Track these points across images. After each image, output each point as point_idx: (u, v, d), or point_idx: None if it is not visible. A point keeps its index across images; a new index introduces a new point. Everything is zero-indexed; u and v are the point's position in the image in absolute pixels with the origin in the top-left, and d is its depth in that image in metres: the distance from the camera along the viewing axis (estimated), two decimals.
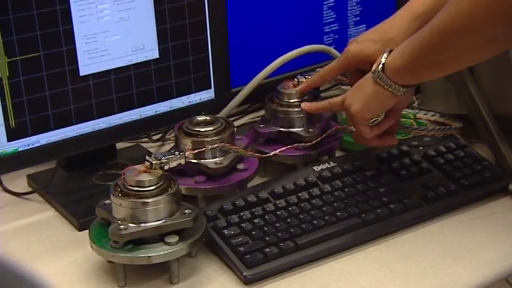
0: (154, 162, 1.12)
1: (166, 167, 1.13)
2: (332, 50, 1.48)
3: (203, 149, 1.23)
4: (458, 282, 1.11)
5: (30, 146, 1.24)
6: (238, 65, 1.46)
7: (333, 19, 1.52)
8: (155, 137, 1.50)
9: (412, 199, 1.26)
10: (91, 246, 1.08)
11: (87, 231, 1.13)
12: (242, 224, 1.17)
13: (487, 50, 1.12)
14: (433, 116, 1.51)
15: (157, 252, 1.05)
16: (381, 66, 1.16)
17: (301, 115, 1.37)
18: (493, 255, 1.17)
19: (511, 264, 1.17)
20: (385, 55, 1.17)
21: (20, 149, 1.23)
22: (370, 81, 1.19)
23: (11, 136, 1.21)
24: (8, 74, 1.17)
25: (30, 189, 1.32)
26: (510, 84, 1.35)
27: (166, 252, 1.05)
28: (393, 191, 1.28)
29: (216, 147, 1.24)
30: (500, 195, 1.32)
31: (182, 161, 1.18)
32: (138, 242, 1.06)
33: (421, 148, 1.39)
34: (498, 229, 1.23)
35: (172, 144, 1.34)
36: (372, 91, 1.19)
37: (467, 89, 1.38)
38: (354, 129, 1.26)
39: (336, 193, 1.25)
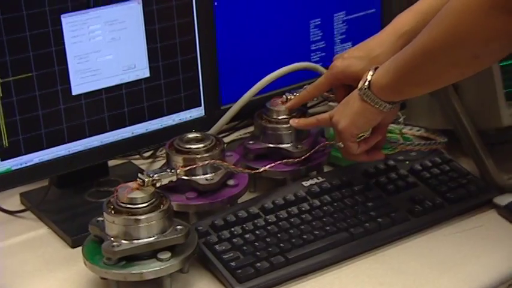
0: (146, 179, 1.11)
1: (158, 184, 1.13)
2: (319, 67, 1.49)
3: (194, 166, 1.23)
4: None
5: (23, 165, 1.24)
6: (228, 83, 1.46)
7: (319, 37, 1.53)
8: (146, 154, 1.50)
9: (399, 213, 1.26)
10: (84, 263, 1.08)
11: (80, 248, 1.13)
12: (233, 240, 1.16)
13: (470, 67, 1.13)
14: (418, 131, 1.51)
15: (150, 269, 1.06)
16: (367, 83, 1.17)
17: (290, 131, 1.37)
18: (478, 268, 1.18)
19: (496, 276, 1.18)
20: (370, 73, 1.18)
21: (13, 168, 1.23)
22: (356, 98, 1.20)
23: (4, 155, 1.21)
24: (0, 95, 1.17)
25: (23, 207, 1.32)
26: (493, 100, 1.36)
27: (159, 268, 1.06)
28: (381, 205, 1.28)
29: (206, 163, 1.24)
30: (485, 208, 1.32)
31: (174, 178, 1.18)
32: (131, 258, 1.06)
33: (407, 162, 1.40)
34: (483, 242, 1.24)
35: (164, 161, 1.34)
36: (358, 108, 1.20)
37: (451, 104, 1.39)
38: (342, 145, 1.26)
39: (325, 208, 1.26)
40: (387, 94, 1.16)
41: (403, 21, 1.35)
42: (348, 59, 1.34)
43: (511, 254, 1.23)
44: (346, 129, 1.22)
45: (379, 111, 1.19)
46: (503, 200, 1.30)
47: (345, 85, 1.32)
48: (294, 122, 1.34)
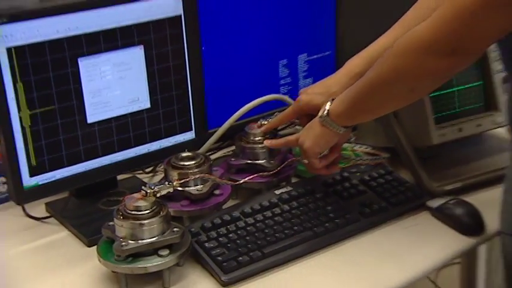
0: (148, 191, 1.12)
1: (158, 195, 1.14)
2: (287, 98, 1.50)
3: (187, 179, 1.24)
4: (390, 279, 1.13)
5: (48, 180, 1.24)
6: (213, 112, 1.46)
7: (286, 74, 1.53)
8: (148, 170, 1.49)
9: (352, 214, 1.27)
10: (98, 259, 1.09)
11: (95, 247, 1.13)
12: (219, 238, 1.17)
13: (407, 99, 1.15)
14: (366, 148, 1.52)
15: (152, 263, 1.06)
16: (326, 112, 1.18)
17: (264, 150, 1.38)
18: (416, 258, 1.20)
19: (431, 264, 1.20)
20: (329, 103, 1.19)
21: (39, 183, 1.23)
22: (318, 124, 1.21)
23: (32, 173, 1.21)
24: (30, 124, 1.18)
25: (47, 215, 1.31)
26: (425, 124, 1.38)
27: (159, 263, 1.06)
28: (337, 208, 1.29)
29: (197, 177, 1.25)
30: (420, 210, 1.33)
31: (171, 190, 1.18)
32: (136, 255, 1.07)
33: (358, 174, 1.41)
34: (419, 237, 1.26)
35: (162, 176, 1.34)
36: (319, 131, 1.21)
37: (392, 127, 1.41)
38: (307, 161, 1.27)
39: (293, 211, 1.26)
40: (342, 120, 1.18)
41: (354, 64, 1.36)
42: (310, 94, 1.35)
43: (441, 247, 1.24)
44: (310, 148, 1.23)
45: (335, 134, 1.20)
46: (434, 203, 1.32)
47: (308, 114, 1.32)
48: (267, 142, 1.35)
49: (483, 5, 0.92)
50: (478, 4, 0.93)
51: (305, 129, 1.27)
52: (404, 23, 1.33)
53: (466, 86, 1.41)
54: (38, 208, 1.31)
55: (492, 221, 1.26)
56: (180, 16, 1.32)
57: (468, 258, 1.45)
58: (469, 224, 1.27)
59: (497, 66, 1.36)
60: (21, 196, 1.22)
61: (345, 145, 1.49)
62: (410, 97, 1.16)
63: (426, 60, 1.03)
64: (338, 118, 1.18)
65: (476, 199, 1.33)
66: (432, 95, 1.35)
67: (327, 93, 1.33)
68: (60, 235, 1.26)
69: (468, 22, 0.95)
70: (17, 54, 1.13)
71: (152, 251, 1.08)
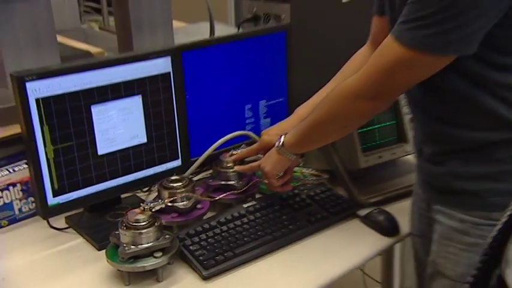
0: (145, 206, 1.15)
1: (153, 209, 1.16)
2: (251, 134, 1.50)
3: (175, 197, 1.26)
4: (331, 271, 1.16)
5: (67, 200, 1.25)
6: (195, 144, 1.46)
7: (250, 115, 1.54)
8: (145, 190, 1.49)
9: (301, 222, 1.29)
10: (107, 261, 1.10)
11: (104, 251, 1.14)
12: (201, 242, 1.19)
13: (341, 133, 1.21)
14: (311, 170, 1.52)
15: (149, 263, 1.09)
16: (281, 143, 1.21)
17: (235, 173, 1.39)
18: (350, 254, 1.23)
19: (360, 259, 1.24)
20: (283, 136, 1.22)
21: (60, 202, 1.24)
22: (275, 152, 1.24)
23: (55, 194, 1.22)
24: (53, 156, 1.20)
25: (67, 226, 1.31)
26: (354, 152, 1.41)
27: (154, 263, 1.09)
28: (290, 217, 1.31)
29: (183, 195, 1.27)
30: (352, 218, 1.35)
31: (163, 205, 1.22)
32: (136, 257, 1.09)
33: (305, 191, 1.42)
34: (352, 238, 1.28)
35: (156, 194, 1.34)
36: (276, 158, 1.25)
37: (330, 154, 1.42)
38: (267, 181, 1.31)
39: (257, 220, 1.28)
40: (293, 149, 1.22)
41: (302, 111, 1.37)
42: (271, 135, 1.35)
43: (368, 245, 1.27)
44: (270, 171, 1.27)
45: (288, 160, 1.25)
46: (362, 212, 1.34)
47: (269, 149, 1.33)
48: (237, 168, 1.37)
49: (395, 66, 0.99)
50: (392, 65, 0.99)
51: (265, 157, 1.28)
52: (339, 78, 1.37)
53: (384, 124, 1.45)
54: (59, 221, 1.31)
55: (405, 225, 1.31)
56: (170, 73, 1.32)
57: (388, 252, 1.48)
58: (388, 227, 1.30)
59: (406, 110, 1.40)
60: (46, 212, 1.22)
61: (296, 168, 1.49)
62: (343, 132, 1.22)
63: (355, 104, 1.08)
64: (290, 148, 1.22)
65: (393, 208, 1.36)
66: (360, 130, 1.38)
67: (282, 132, 1.34)
68: (76, 242, 1.26)
69: (386, 76, 1.01)
70: (44, 103, 1.15)
71: (149, 253, 1.10)
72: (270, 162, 1.26)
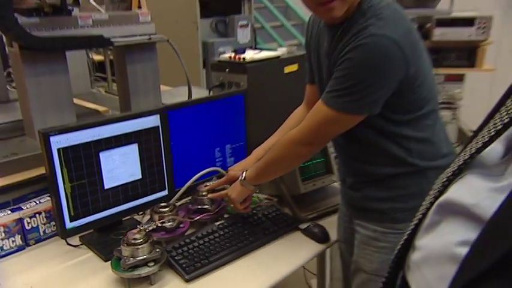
0: (141, 228, 1.16)
1: (146, 230, 1.16)
2: (220, 169, 1.50)
3: (164, 220, 1.26)
4: (281, 271, 1.17)
5: (81, 224, 1.24)
6: (178, 178, 1.45)
7: (219, 156, 1.54)
8: (140, 214, 1.46)
9: (258, 235, 1.29)
10: (112, 270, 1.10)
11: (109, 262, 1.13)
12: (183, 253, 1.19)
13: (287, 169, 1.25)
14: (265, 195, 1.52)
15: (144, 271, 1.09)
16: (243, 177, 1.23)
17: (208, 200, 1.39)
18: (295, 258, 1.24)
19: (302, 260, 1.25)
20: (245, 172, 1.24)
21: (75, 226, 1.23)
22: (239, 185, 1.25)
23: (71, 219, 1.21)
24: (70, 191, 1.19)
25: (80, 243, 1.29)
26: (296, 181, 1.42)
27: (148, 270, 1.09)
28: (250, 232, 1.31)
29: (169, 218, 1.27)
30: (295, 230, 1.35)
31: (154, 226, 1.22)
32: (134, 267, 1.09)
33: (260, 211, 1.42)
34: (295, 246, 1.29)
35: (149, 217, 1.33)
36: (240, 189, 1.26)
37: (278, 183, 1.44)
38: (233, 206, 1.31)
39: (226, 235, 1.28)
40: (252, 182, 1.24)
41: (258, 153, 1.38)
42: (235, 170, 1.36)
43: (308, 250, 1.28)
44: (235, 199, 1.28)
45: (249, 190, 1.27)
46: (303, 226, 1.34)
47: (234, 181, 1.34)
48: (210, 195, 1.37)
49: (324, 122, 1.04)
50: (322, 122, 1.04)
51: (232, 188, 1.29)
52: (283, 129, 1.41)
53: (316, 160, 1.47)
54: (74, 239, 1.29)
55: (333, 234, 1.34)
56: (158, 126, 1.33)
57: (322, 254, 1.47)
58: (322, 237, 1.31)
59: (332, 150, 1.44)
60: (65, 234, 1.22)
61: (253, 194, 1.48)
62: (289, 169, 1.26)
63: (297, 149, 1.12)
64: (250, 181, 1.24)
65: (324, 222, 1.38)
66: (300, 166, 1.41)
67: (243, 171, 1.35)
68: (87, 255, 1.25)
69: (318, 129, 1.06)
70: (63, 152, 1.16)
71: (144, 263, 1.10)
72: (235, 192, 1.26)
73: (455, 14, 1.90)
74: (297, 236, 1.33)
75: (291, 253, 1.25)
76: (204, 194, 1.39)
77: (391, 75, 0.94)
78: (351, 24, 0.96)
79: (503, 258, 0.37)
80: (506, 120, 0.47)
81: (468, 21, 1.75)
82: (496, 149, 0.50)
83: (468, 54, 1.80)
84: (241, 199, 1.28)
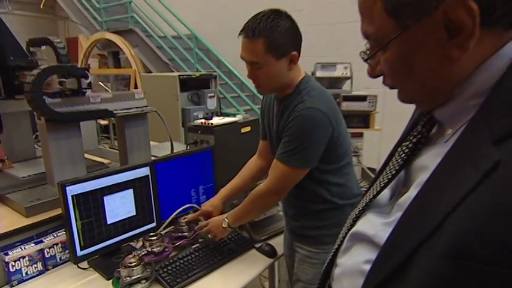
0: (135, 253, 1.16)
1: (141, 254, 1.17)
2: (195, 205, 1.48)
3: (153, 246, 1.25)
4: (242, 279, 1.15)
5: (89, 251, 1.21)
6: (164, 212, 1.41)
7: (194, 195, 1.52)
8: (135, 241, 1.40)
9: (225, 253, 1.28)
10: (113, 287, 1.10)
11: (111, 281, 1.13)
12: (168, 271, 1.17)
13: (259, 214, 1.27)
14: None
15: (138, 287, 1.09)
16: (227, 223, 1.18)
17: (187, 228, 1.37)
18: (252, 270, 1.23)
19: (258, 271, 1.23)
20: (227, 219, 1.18)
21: (85, 253, 1.20)
22: (222, 227, 1.19)
23: (81, 249, 1.19)
24: (81, 227, 1.18)
25: (88, 266, 1.25)
26: None
27: (142, 286, 1.09)
28: (218, 252, 1.29)
29: (157, 244, 1.26)
30: (252, 249, 1.34)
31: (145, 252, 1.22)
32: (130, 284, 1.08)
33: (226, 235, 1.38)
34: (252, 261, 1.28)
35: (141, 244, 1.31)
36: (222, 230, 1.21)
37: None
38: (213, 238, 1.25)
39: (201, 255, 1.26)
40: (233, 226, 1.20)
41: (223, 193, 1.34)
42: (207, 207, 1.34)
43: (262, 263, 1.27)
44: (217, 236, 1.24)
45: (230, 230, 1.22)
46: (257, 245, 1.34)
47: (206, 214, 1.33)
48: (199, 230, 1.31)
49: (283, 176, 1.03)
50: (282, 175, 1.02)
51: (215, 227, 1.21)
52: (241, 173, 1.41)
53: None
54: (84, 263, 1.25)
55: (280, 250, 1.34)
56: (148, 175, 1.32)
57: (271, 265, 1.41)
58: (271, 253, 1.30)
59: None
60: (76, 260, 1.18)
61: None
62: (261, 213, 1.30)
63: (268, 199, 1.10)
64: (232, 225, 1.19)
65: (273, 241, 1.37)
66: None
67: (213, 206, 1.36)
68: (94, 276, 1.21)
69: (281, 181, 1.04)
70: (76, 197, 1.15)
71: (138, 281, 1.10)
72: (219, 232, 1.21)
73: (355, 93, 2.09)
74: (253, 253, 1.32)
75: (249, 266, 1.24)
76: (183, 224, 1.36)
77: (323, 136, 0.95)
78: (292, 100, 0.99)
79: (393, 272, 0.38)
80: (392, 174, 0.49)
81: (362, 98, 1.94)
82: (385, 194, 0.51)
83: (364, 119, 1.98)
84: (222, 236, 1.24)
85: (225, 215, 1.17)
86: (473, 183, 0.33)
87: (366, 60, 0.45)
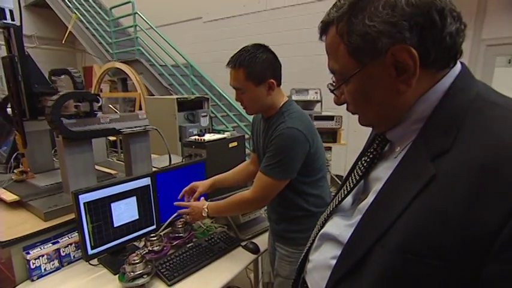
0: (138, 252, 1.15)
1: (143, 253, 1.16)
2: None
3: (154, 245, 1.24)
4: (231, 272, 1.16)
5: (98, 251, 1.19)
6: (163, 216, 1.38)
7: (189, 200, 1.45)
8: (138, 241, 1.38)
9: (215, 251, 1.27)
10: (119, 281, 1.08)
11: (117, 275, 1.10)
12: (166, 267, 1.15)
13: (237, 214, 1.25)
14: (218, 225, 1.47)
15: (140, 281, 1.07)
16: (206, 212, 1.15)
17: (183, 229, 1.33)
18: (239, 264, 1.22)
19: (244, 265, 1.22)
20: (207, 208, 1.12)
21: (95, 252, 1.18)
22: (201, 212, 1.16)
23: (92, 248, 1.17)
24: (91, 229, 1.17)
25: (98, 263, 1.23)
26: (236, 218, 1.41)
27: (143, 281, 1.07)
28: (209, 250, 1.28)
29: (157, 244, 1.25)
30: (238, 247, 1.33)
31: (147, 250, 1.22)
32: (134, 278, 1.07)
33: (216, 235, 1.38)
34: (239, 257, 1.27)
35: (143, 244, 1.29)
36: (200, 215, 1.17)
37: (227, 217, 1.38)
38: (189, 218, 1.20)
39: (195, 253, 1.25)
40: (212, 214, 1.16)
41: (216, 178, 1.30)
42: (197, 182, 1.30)
43: (246, 259, 1.26)
44: (194, 219, 1.20)
45: (205, 217, 1.17)
46: (243, 243, 1.32)
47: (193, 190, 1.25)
48: (178, 203, 1.23)
49: (266, 186, 0.99)
50: (264, 186, 0.99)
51: (194, 211, 1.17)
52: (235, 171, 1.32)
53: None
54: (94, 261, 1.23)
55: (262, 247, 1.32)
56: (149, 185, 1.30)
57: (256, 259, 1.38)
58: (255, 250, 1.29)
59: None
60: (87, 258, 1.16)
61: (210, 224, 1.49)
62: (238, 214, 1.29)
63: (250, 206, 1.08)
64: (210, 215, 1.16)
65: (257, 240, 1.36)
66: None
67: (202, 184, 1.28)
68: (103, 272, 1.19)
69: (263, 191, 1.01)
70: (87, 204, 1.14)
71: (140, 276, 1.08)
72: (198, 216, 1.18)
73: (324, 113, 2.15)
74: (239, 250, 1.31)
75: (236, 261, 1.23)
76: (180, 226, 1.34)
77: (301, 152, 0.94)
78: (275, 120, 0.99)
79: (354, 266, 0.40)
80: (353, 183, 0.51)
81: (330, 118, 2.00)
82: (349, 200, 0.52)
83: (332, 135, 2.03)
84: (198, 220, 1.21)
85: (206, 203, 1.14)
86: (415, 192, 0.36)
87: (332, 91, 0.47)
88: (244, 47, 0.95)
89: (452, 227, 0.32)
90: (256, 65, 0.93)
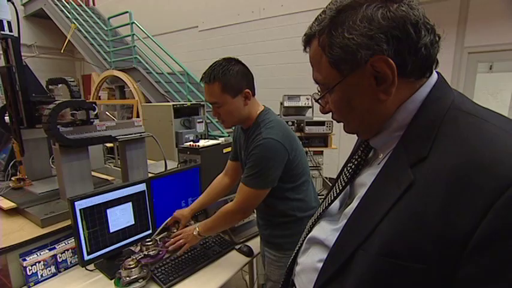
0: (133, 257, 1.15)
1: (138, 258, 1.16)
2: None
3: (149, 250, 1.22)
4: (226, 275, 1.14)
5: (94, 256, 1.18)
6: (158, 221, 1.38)
7: (184, 205, 1.46)
8: (134, 245, 1.37)
9: (210, 254, 1.27)
10: (115, 285, 1.07)
11: (113, 280, 1.09)
12: (162, 271, 1.15)
13: (228, 227, 1.22)
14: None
15: (136, 286, 1.07)
16: (197, 231, 1.13)
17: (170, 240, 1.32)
18: (233, 266, 1.21)
19: (238, 267, 1.21)
20: (197, 228, 1.12)
21: (91, 257, 1.17)
22: (193, 235, 1.14)
23: (88, 254, 1.16)
24: (87, 235, 1.16)
25: (94, 268, 1.22)
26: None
27: (139, 285, 1.08)
28: (204, 253, 1.28)
29: (153, 248, 1.23)
30: (233, 250, 1.32)
31: (142, 255, 1.19)
32: (129, 283, 1.07)
33: (211, 239, 1.37)
34: (233, 260, 1.26)
35: (139, 248, 1.28)
36: (193, 237, 1.15)
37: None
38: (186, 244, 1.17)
39: (190, 257, 1.25)
40: (204, 233, 1.14)
41: (193, 206, 1.30)
42: (179, 214, 1.30)
43: (241, 261, 1.25)
44: (190, 243, 1.17)
45: (200, 238, 1.16)
46: (237, 247, 1.30)
47: (176, 220, 1.26)
48: (170, 246, 1.21)
49: (248, 197, 0.98)
50: (247, 197, 0.98)
51: (186, 235, 1.15)
52: (207, 191, 1.31)
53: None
54: (90, 266, 1.22)
55: (256, 250, 1.31)
56: (145, 190, 1.29)
57: (250, 262, 1.36)
58: (249, 253, 1.29)
59: None
60: (84, 263, 1.15)
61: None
62: (228, 227, 1.25)
63: (235, 217, 1.05)
64: (202, 234, 1.14)
65: (250, 243, 1.36)
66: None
67: (182, 215, 1.28)
68: (99, 276, 1.18)
69: (246, 202, 1.00)
70: (83, 210, 1.13)
71: (136, 280, 1.09)
72: (192, 239, 1.15)
73: (315, 119, 2.16)
74: (233, 253, 1.31)
75: (231, 264, 1.23)
76: (174, 231, 1.31)
77: (279, 161, 0.94)
78: (252, 131, 0.99)
79: (339, 268, 0.41)
80: (340, 189, 0.51)
81: (321, 123, 2.01)
82: (336, 204, 0.52)
83: (324, 140, 2.04)
84: (194, 243, 1.16)
85: (196, 224, 1.13)
86: (395, 198, 0.37)
87: (317, 101, 0.48)
88: (215, 62, 0.94)
89: (429, 231, 0.33)
90: (231, 77, 0.92)
